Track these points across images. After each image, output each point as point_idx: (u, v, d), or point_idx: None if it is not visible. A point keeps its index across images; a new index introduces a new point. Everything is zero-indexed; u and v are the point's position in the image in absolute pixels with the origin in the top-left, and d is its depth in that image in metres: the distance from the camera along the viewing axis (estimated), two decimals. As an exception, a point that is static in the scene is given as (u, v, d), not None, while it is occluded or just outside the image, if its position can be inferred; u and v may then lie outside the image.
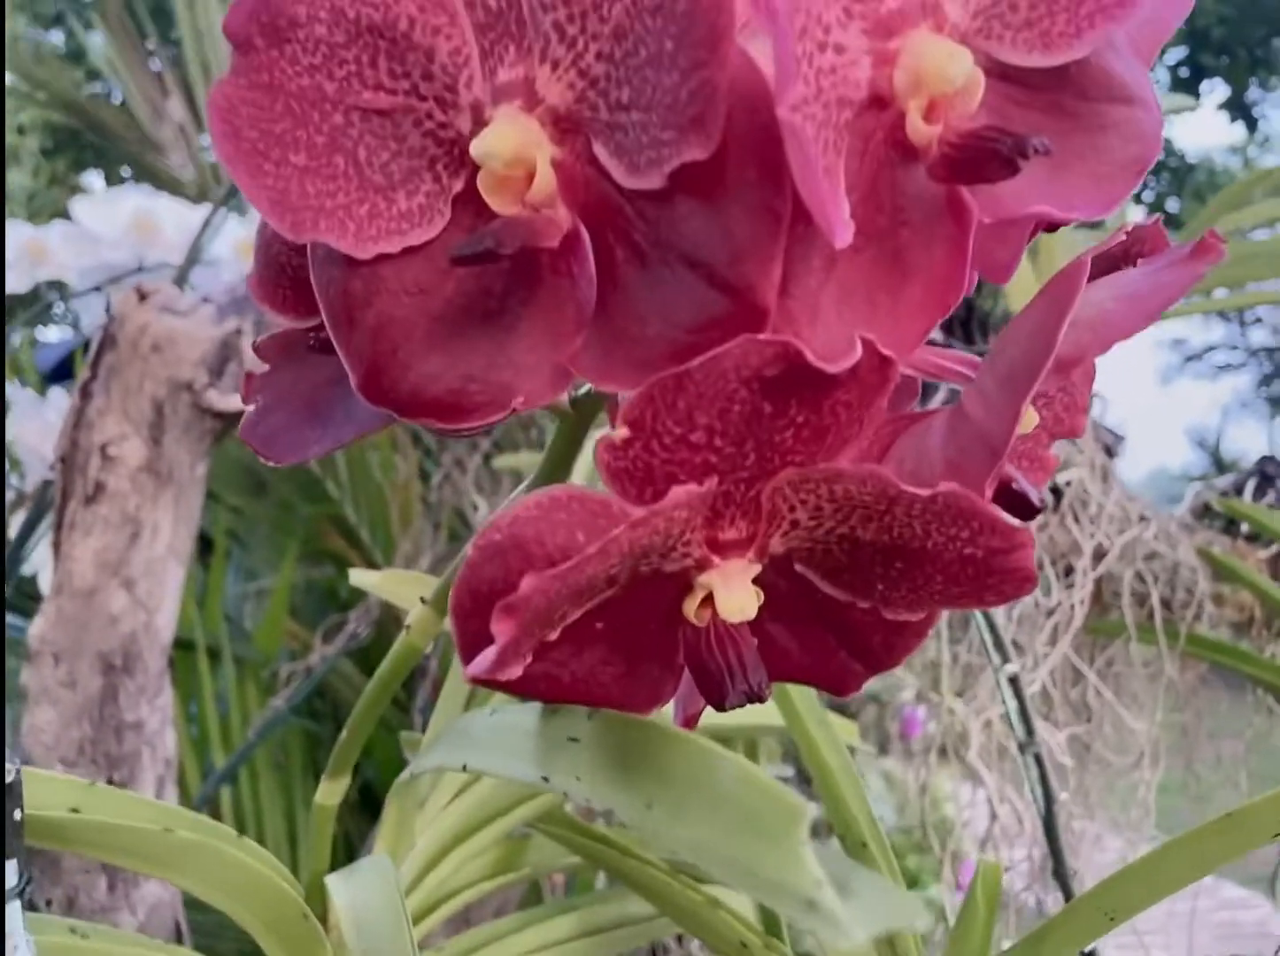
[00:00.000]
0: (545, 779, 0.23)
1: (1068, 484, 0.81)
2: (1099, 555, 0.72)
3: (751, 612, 0.22)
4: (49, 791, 0.30)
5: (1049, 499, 0.72)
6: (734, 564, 0.22)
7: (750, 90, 0.17)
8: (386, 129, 0.22)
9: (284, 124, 0.21)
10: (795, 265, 0.20)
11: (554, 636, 0.22)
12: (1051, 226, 0.25)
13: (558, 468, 0.28)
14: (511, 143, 0.20)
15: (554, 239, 0.20)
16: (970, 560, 0.21)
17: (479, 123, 0.21)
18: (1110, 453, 0.93)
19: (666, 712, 0.26)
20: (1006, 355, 0.22)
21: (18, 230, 1.12)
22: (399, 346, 0.22)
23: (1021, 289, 0.73)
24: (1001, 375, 0.22)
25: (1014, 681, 0.53)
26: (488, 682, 0.23)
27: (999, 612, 0.72)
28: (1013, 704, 0.52)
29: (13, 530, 1.12)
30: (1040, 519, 0.78)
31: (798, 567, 0.24)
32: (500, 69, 0.21)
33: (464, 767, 0.29)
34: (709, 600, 0.22)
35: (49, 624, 0.71)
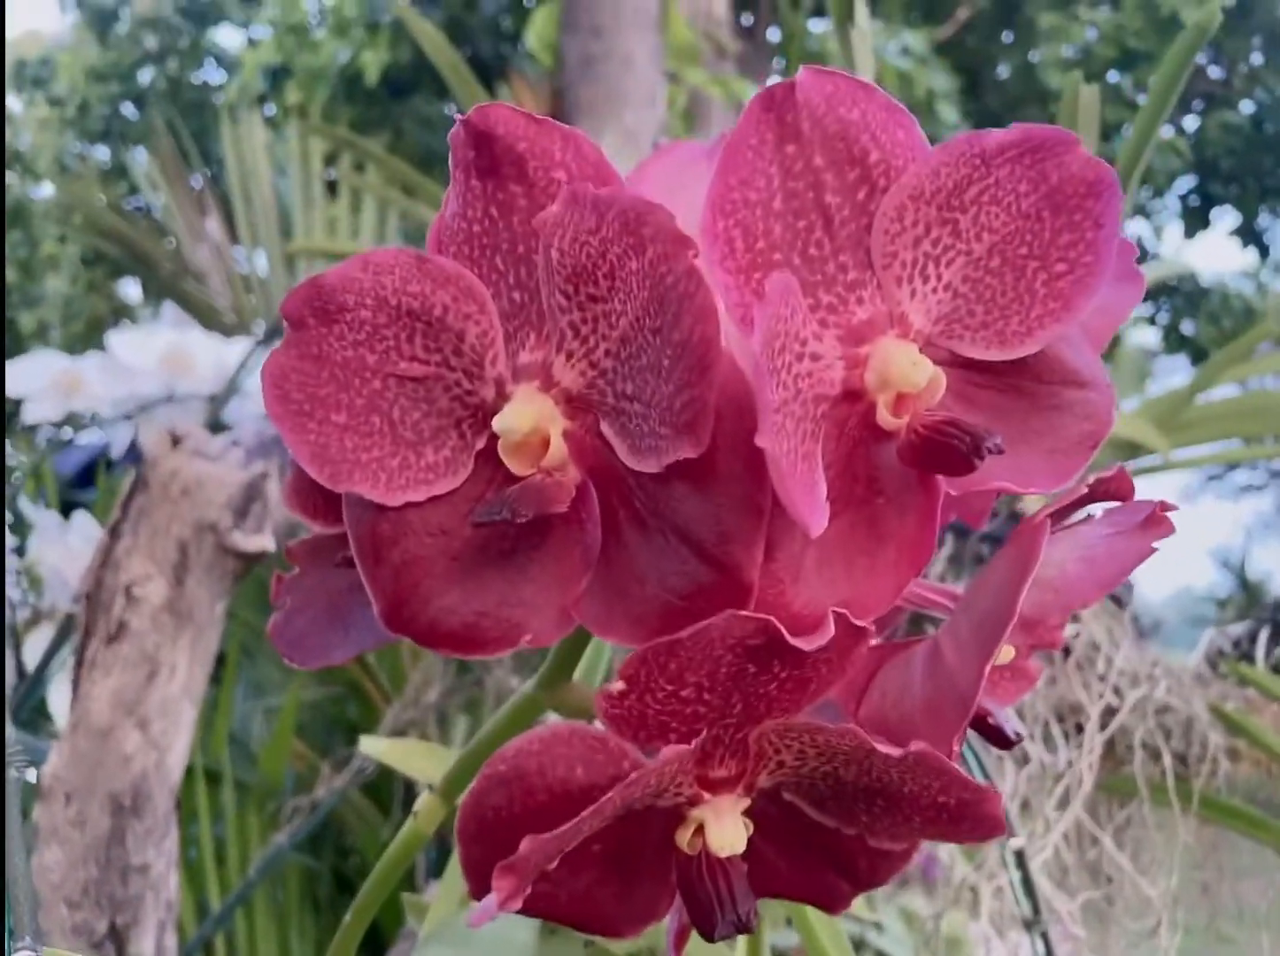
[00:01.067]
0: (540, 999, 0.24)
1: (1076, 636, 0.81)
2: (1109, 713, 0.72)
3: (740, 847, 0.23)
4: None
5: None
6: (724, 800, 0.23)
7: (740, 399, 0.20)
8: (419, 393, 0.24)
9: (328, 388, 0.24)
10: (780, 533, 0.22)
11: (554, 866, 0.24)
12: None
13: (556, 679, 0.30)
14: (530, 419, 0.22)
15: (563, 504, 0.22)
16: (944, 807, 0.23)
17: (501, 395, 0.23)
18: (1120, 603, 0.93)
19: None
20: (976, 607, 0.24)
21: (54, 361, 1.17)
22: (420, 582, 0.25)
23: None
24: (973, 624, 0.24)
25: (1019, 855, 0.53)
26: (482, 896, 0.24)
27: (1008, 777, 0.72)
28: (1018, 878, 0.52)
29: (33, 650, 1.13)
30: (1048, 673, 0.79)
31: (786, 796, 0.25)
32: (522, 352, 0.23)
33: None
34: (700, 830, 0.24)
35: (63, 762, 0.72)
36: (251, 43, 6.25)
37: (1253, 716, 0.88)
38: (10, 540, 1.33)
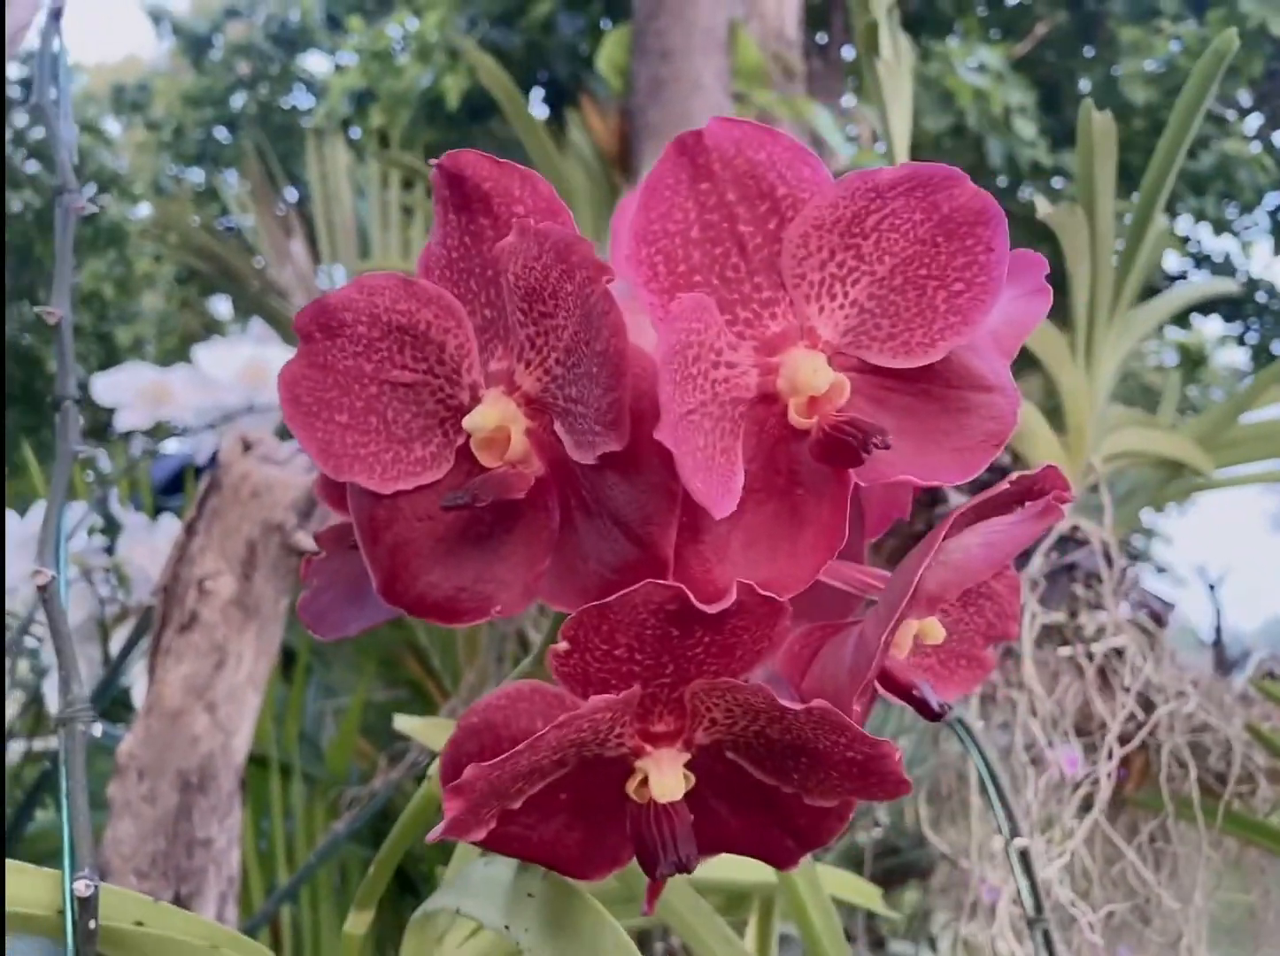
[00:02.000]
0: (506, 927, 0.28)
1: (1111, 653, 0.82)
2: (1135, 725, 0.73)
3: (679, 794, 0.27)
4: (120, 905, 0.36)
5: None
6: (665, 752, 0.27)
7: (658, 399, 0.23)
8: (409, 397, 0.28)
9: (332, 393, 0.28)
10: (708, 518, 0.25)
11: (517, 805, 0.27)
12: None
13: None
14: (494, 418, 0.26)
15: (520, 493, 0.26)
16: (854, 761, 0.26)
17: (475, 398, 0.27)
18: (1160, 621, 0.93)
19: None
20: (890, 587, 0.27)
21: (143, 373, 1.26)
22: (410, 560, 0.29)
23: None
24: (884, 599, 0.27)
25: (1024, 855, 0.55)
26: (463, 837, 0.28)
27: (1028, 785, 0.73)
28: (1023, 878, 0.54)
29: (119, 643, 1.21)
30: (1075, 687, 0.80)
31: (729, 755, 0.28)
32: (491, 361, 0.27)
33: (457, 911, 0.34)
34: (646, 781, 0.27)
35: (137, 741, 0.78)
36: (338, 68, 6.48)
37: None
38: (100, 541, 1.42)
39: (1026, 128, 4.72)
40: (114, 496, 1.42)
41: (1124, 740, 0.72)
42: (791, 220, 0.24)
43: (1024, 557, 0.74)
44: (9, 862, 0.34)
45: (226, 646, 0.80)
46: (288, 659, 1.32)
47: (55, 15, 0.45)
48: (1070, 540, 0.73)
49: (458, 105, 5.04)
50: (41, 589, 0.37)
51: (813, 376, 0.24)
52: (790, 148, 0.24)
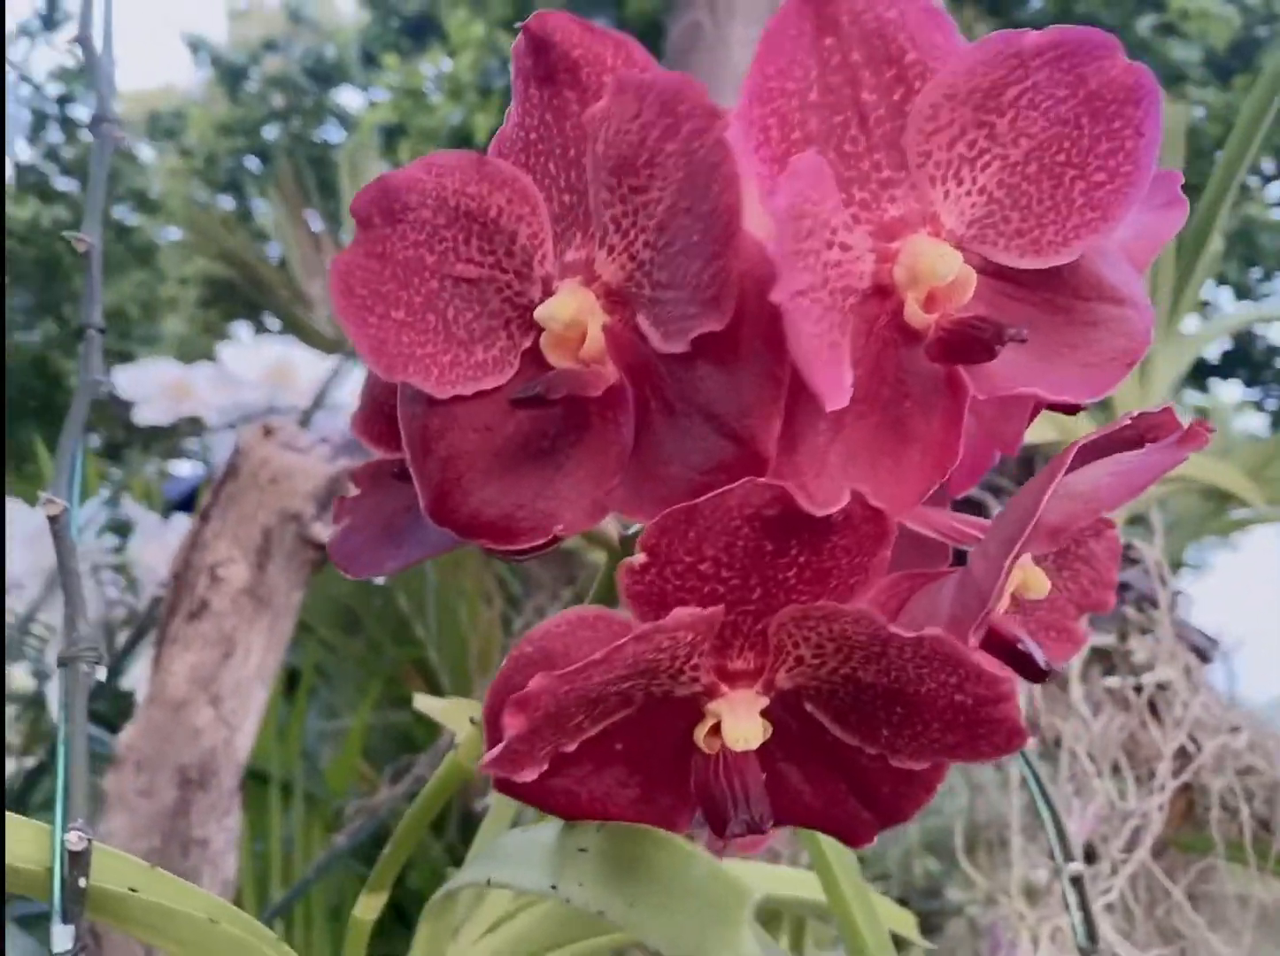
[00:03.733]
0: (554, 886, 0.24)
1: (1159, 686, 0.78)
2: (1182, 760, 0.69)
3: (756, 742, 0.24)
4: (114, 867, 0.33)
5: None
6: (742, 694, 0.24)
7: (765, 282, 0.21)
8: (473, 294, 0.26)
9: (390, 286, 0.26)
10: (803, 426, 0.22)
11: (571, 747, 0.24)
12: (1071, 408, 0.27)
13: (605, 600, 0.31)
14: (570, 309, 0.23)
15: (596, 390, 0.23)
16: (961, 707, 0.23)
17: (547, 293, 0.25)
18: (1204, 657, 0.90)
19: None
20: (1004, 520, 0.24)
21: (167, 369, 1.24)
22: (463, 475, 0.26)
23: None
24: (998, 537, 0.24)
25: (1077, 882, 0.51)
26: (507, 786, 0.25)
27: (1073, 818, 0.69)
28: (1075, 904, 0.50)
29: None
30: (1120, 719, 0.76)
31: (808, 708, 0.25)
32: (568, 251, 0.25)
33: (488, 882, 0.31)
34: (718, 728, 0.24)
35: (138, 732, 0.74)
36: (371, 104, 6.58)
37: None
38: (111, 540, 1.39)
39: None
40: (127, 498, 1.39)
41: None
42: (918, 91, 0.22)
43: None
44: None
45: (235, 637, 0.77)
46: (291, 678, 1.29)
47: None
48: (1123, 559, 0.69)
49: (486, 141, 5.10)
50: (53, 519, 0.35)
51: (937, 262, 0.21)
52: (925, 8, 0.22)
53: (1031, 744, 0.67)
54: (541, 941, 0.43)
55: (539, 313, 0.24)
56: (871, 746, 0.25)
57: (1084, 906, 0.52)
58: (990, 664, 0.21)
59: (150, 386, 1.20)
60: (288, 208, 1.90)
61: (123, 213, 5.75)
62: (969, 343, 0.21)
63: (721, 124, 0.20)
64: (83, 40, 0.44)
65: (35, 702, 1.24)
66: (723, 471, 0.21)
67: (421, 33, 5.98)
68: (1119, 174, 0.22)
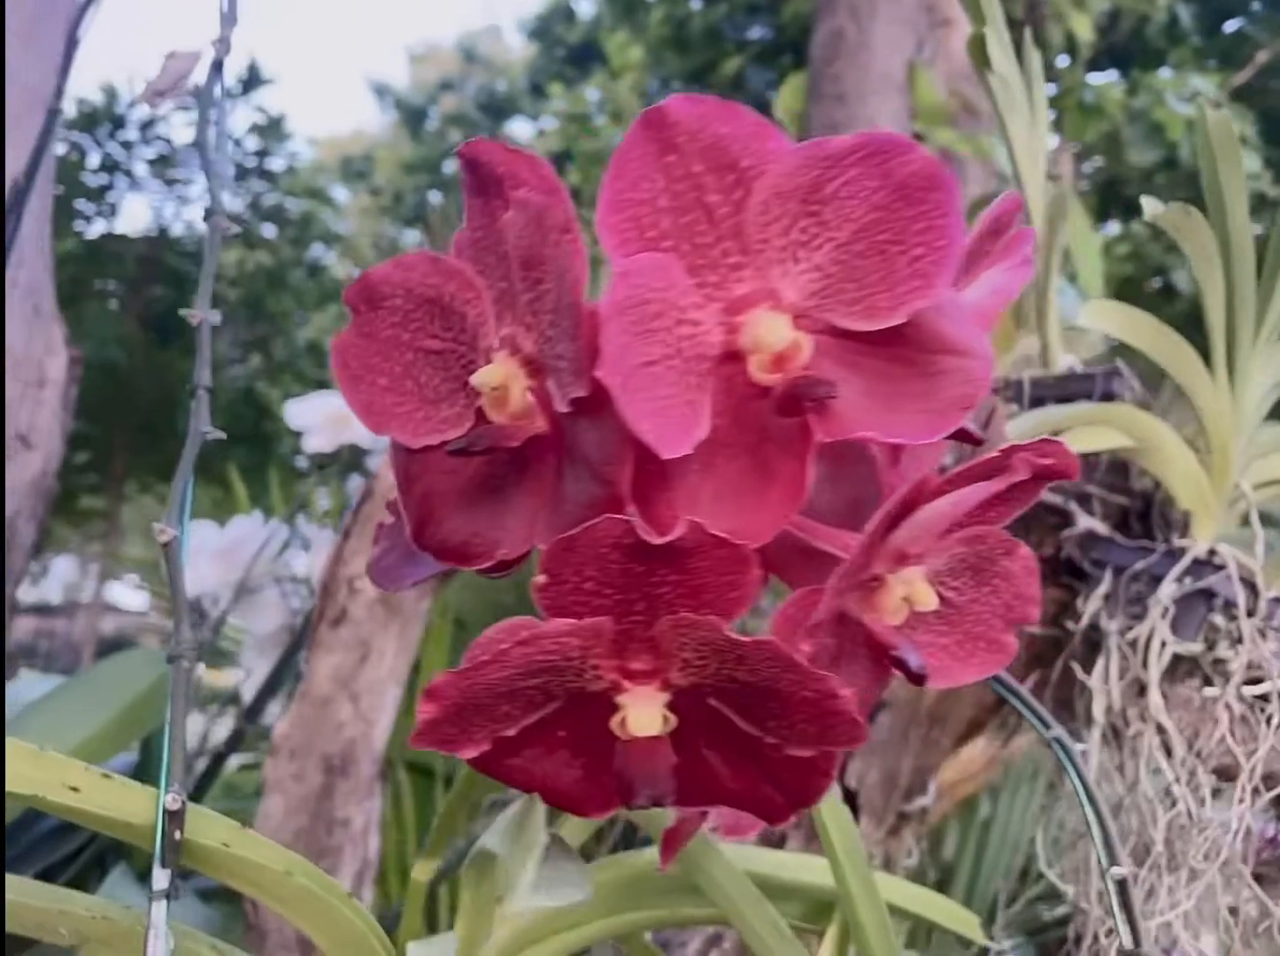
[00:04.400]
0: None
1: (1261, 698, 0.76)
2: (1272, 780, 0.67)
3: (654, 730, 0.28)
4: (210, 826, 0.40)
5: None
6: (643, 690, 0.29)
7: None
8: (438, 362, 0.32)
9: (375, 359, 0.32)
10: (677, 468, 0.27)
11: (512, 732, 0.30)
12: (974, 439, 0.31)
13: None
14: (496, 376, 0.29)
15: (516, 442, 0.29)
16: (811, 702, 0.27)
17: (488, 362, 0.30)
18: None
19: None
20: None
21: (330, 400, 1.38)
22: (435, 508, 0.32)
23: (1189, 485, 0.73)
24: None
25: (1122, 885, 0.52)
26: (478, 764, 0.30)
27: (1154, 823, 0.69)
28: (1118, 906, 0.51)
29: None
30: (1210, 729, 0.74)
31: (712, 702, 0.30)
32: (502, 327, 0.30)
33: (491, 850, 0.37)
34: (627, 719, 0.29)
35: (290, 725, 0.85)
36: (541, 133, 6.86)
37: None
38: (292, 556, 1.55)
39: (1248, 160, 4.43)
40: (304, 517, 1.54)
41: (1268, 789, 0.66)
42: (756, 191, 0.26)
43: (1154, 582, 0.70)
44: (117, 778, 0.39)
45: (371, 641, 0.87)
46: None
47: (217, 66, 0.52)
48: (1207, 564, 0.68)
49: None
50: (164, 546, 0.43)
51: (770, 333, 0.26)
52: (755, 123, 0.26)
53: (1094, 745, 0.67)
54: (586, 911, 0.48)
55: (473, 379, 0.30)
56: (768, 736, 0.30)
57: (1128, 909, 0.53)
58: (808, 665, 0.26)
59: (315, 417, 1.33)
60: (430, 239, 2.05)
61: (319, 251, 6.24)
62: (797, 395, 0.25)
63: (569, 235, 0.25)
64: (200, 144, 0.53)
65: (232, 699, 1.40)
66: (595, 508, 0.26)
67: (584, 60, 6.20)
68: (935, 247, 0.26)
